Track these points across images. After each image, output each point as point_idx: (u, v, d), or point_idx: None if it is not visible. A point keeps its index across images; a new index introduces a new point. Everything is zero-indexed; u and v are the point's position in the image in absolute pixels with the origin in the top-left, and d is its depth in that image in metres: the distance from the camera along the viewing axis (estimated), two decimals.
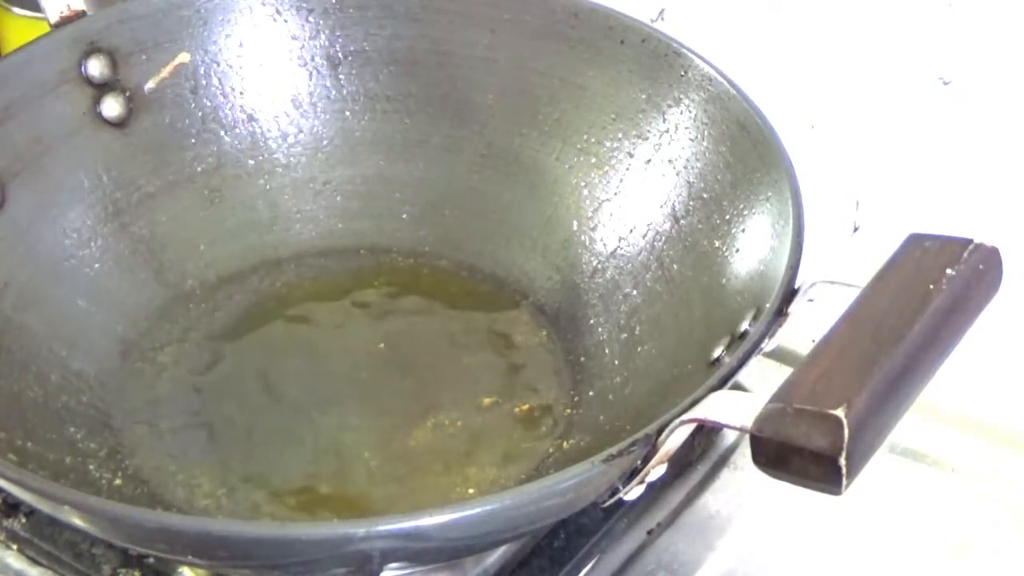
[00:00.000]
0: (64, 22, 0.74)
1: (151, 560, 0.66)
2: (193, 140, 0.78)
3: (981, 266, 0.55)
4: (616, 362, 0.71)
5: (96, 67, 0.75)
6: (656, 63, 0.74)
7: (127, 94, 0.76)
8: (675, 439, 0.55)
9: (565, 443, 0.69)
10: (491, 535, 0.58)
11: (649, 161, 0.74)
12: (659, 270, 0.72)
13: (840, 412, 0.49)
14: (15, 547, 0.68)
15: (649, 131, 0.74)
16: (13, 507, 0.68)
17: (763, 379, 0.68)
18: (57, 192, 0.73)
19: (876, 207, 0.81)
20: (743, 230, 0.68)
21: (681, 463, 0.72)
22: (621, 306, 0.73)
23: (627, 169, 0.75)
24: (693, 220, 0.71)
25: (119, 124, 0.76)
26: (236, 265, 0.78)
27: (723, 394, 0.55)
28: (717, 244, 0.69)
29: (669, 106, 0.74)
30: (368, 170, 0.80)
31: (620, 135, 0.75)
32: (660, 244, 0.73)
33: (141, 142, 0.77)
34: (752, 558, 0.69)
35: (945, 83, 0.79)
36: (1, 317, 0.68)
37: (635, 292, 0.73)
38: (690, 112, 0.73)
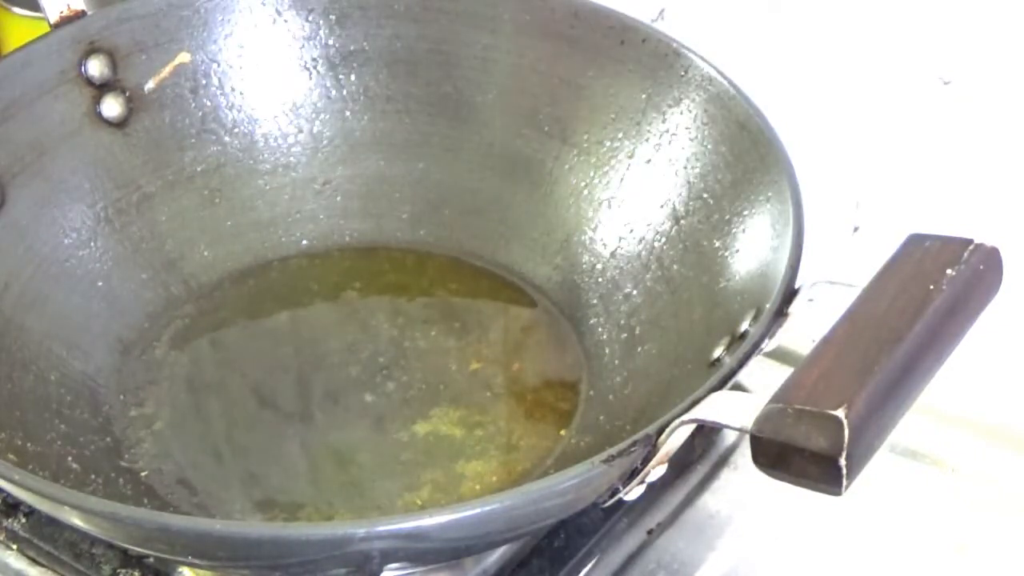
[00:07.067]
0: (64, 22, 0.74)
1: (151, 560, 0.66)
2: (193, 140, 0.78)
3: (981, 266, 0.55)
4: (616, 362, 0.71)
5: (96, 67, 0.75)
6: (656, 63, 0.74)
7: (127, 94, 0.76)
8: (675, 439, 0.55)
9: (565, 443, 0.69)
10: (491, 535, 0.58)
11: (649, 161, 0.74)
12: (659, 270, 0.72)
13: (840, 412, 0.49)
14: (15, 547, 0.68)
15: (649, 131, 0.74)
16: (13, 507, 0.68)
17: (763, 379, 0.68)
18: (57, 192, 0.73)
19: (876, 207, 0.81)
20: (743, 230, 0.68)
21: (681, 463, 0.72)
22: (621, 306, 0.73)
23: (627, 169, 0.75)
24: (693, 220, 0.71)
25: (119, 124, 0.76)
26: (236, 265, 0.78)
27: (723, 394, 0.55)
28: (717, 244, 0.69)
29: (669, 106, 0.74)
30: (368, 170, 0.80)
31: (620, 135, 0.75)
32: (660, 244, 0.73)
33: (141, 142, 0.77)
34: (752, 558, 0.69)
35: (945, 83, 0.79)
36: (1, 317, 0.68)
37: (635, 292, 0.73)
38: (690, 112, 0.73)
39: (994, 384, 0.76)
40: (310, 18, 0.79)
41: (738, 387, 0.59)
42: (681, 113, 0.73)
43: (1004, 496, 0.72)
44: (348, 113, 0.80)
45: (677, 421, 0.54)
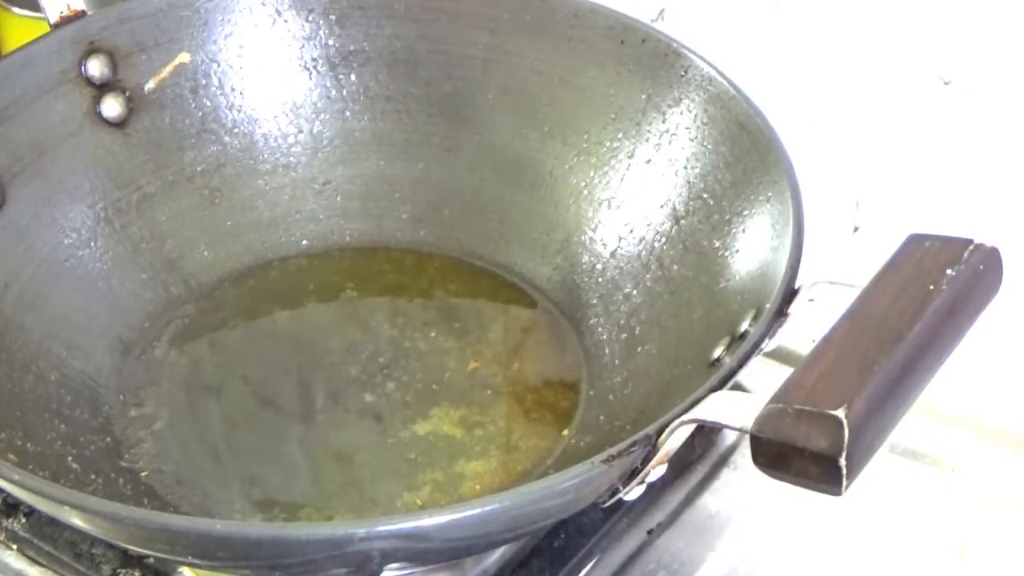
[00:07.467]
0: (64, 22, 0.74)
1: (151, 560, 0.66)
2: (193, 140, 0.78)
3: (981, 266, 0.55)
4: (616, 362, 0.71)
5: (96, 67, 0.75)
6: (656, 63, 0.74)
7: (127, 94, 0.76)
8: (675, 439, 0.55)
9: (565, 443, 0.69)
10: (491, 535, 0.58)
11: (649, 161, 0.74)
12: (659, 270, 0.72)
13: (840, 413, 0.49)
14: (15, 547, 0.68)
15: (649, 131, 0.74)
16: (13, 507, 0.68)
17: (763, 379, 0.68)
18: (57, 192, 0.73)
19: (876, 207, 0.81)
20: (743, 230, 0.68)
21: (681, 463, 0.72)
22: (621, 306, 0.73)
23: (627, 169, 0.75)
24: (693, 220, 0.71)
25: (119, 124, 0.76)
26: (236, 265, 0.78)
27: (723, 394, 0.55)
28: (717, 244, 0.69)
29: (669, 106, 0.74)
30: (368, 170, 0.80)
31: (620, 135, 0.75)
32: (660, 244, 0.73)
33: (141, 142, 0.77)
34: (752, 558, 0.69)
35: (945, 83, 0.79)
36: (1, 317, 0.68)
37: (635, 292, 0.73)
38: (690, 112, 0.73)
39: (994, 384, 0.76)
40: (310, 18, 0.79)
41: (738, 387, 0.59)
42: (681, 113, 0.73)
43: (1004, 496, 0.72)
44: (348, 113, 0.80)
45: (677, 421, 0.54)
